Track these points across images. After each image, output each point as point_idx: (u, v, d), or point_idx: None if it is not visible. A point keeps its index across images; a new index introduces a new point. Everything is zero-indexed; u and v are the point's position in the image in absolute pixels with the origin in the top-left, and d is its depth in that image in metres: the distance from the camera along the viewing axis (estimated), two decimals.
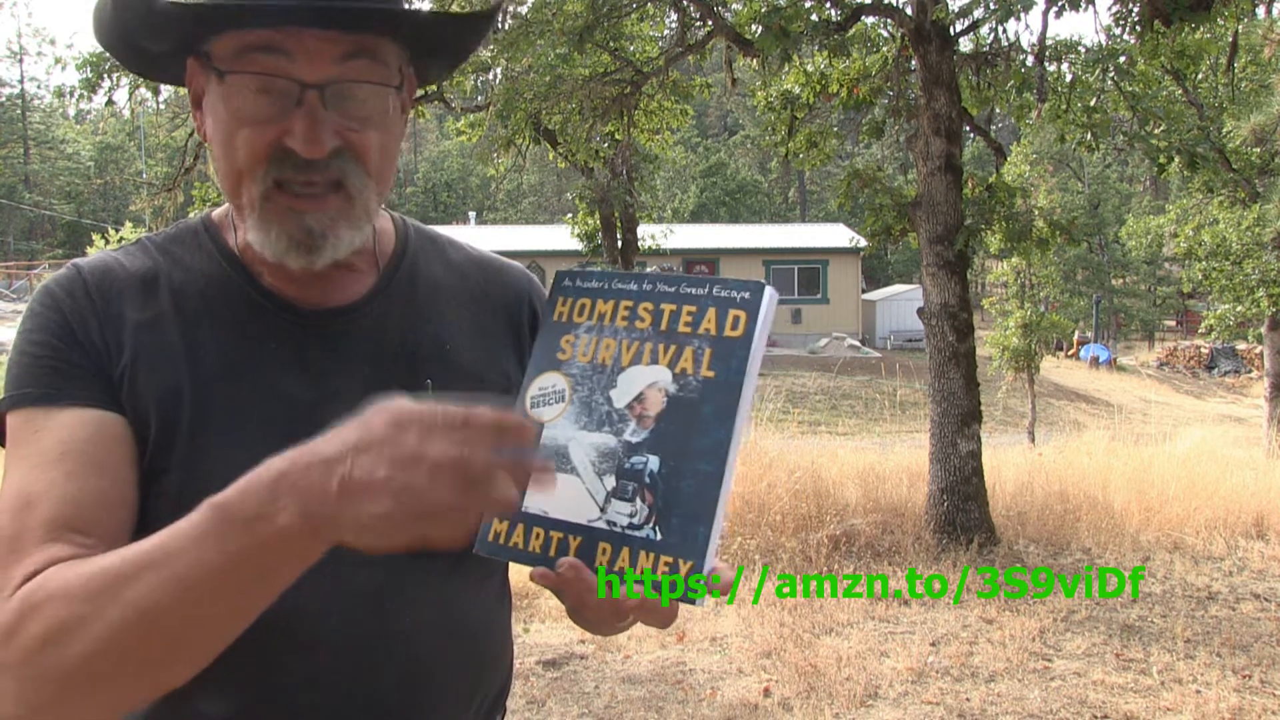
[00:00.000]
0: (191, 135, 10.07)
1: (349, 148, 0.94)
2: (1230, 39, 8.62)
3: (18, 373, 0.94)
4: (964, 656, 4.58)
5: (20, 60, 52.19)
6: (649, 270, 0.94)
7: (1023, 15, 6.21)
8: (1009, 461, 8.63)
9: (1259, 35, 11.91)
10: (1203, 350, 33.36)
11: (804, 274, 31.26)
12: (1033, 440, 15.14)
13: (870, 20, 7.70)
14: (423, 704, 1.02)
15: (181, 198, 10.49)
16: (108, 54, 1.06)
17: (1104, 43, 7.18)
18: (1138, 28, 6.65)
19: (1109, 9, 6.83)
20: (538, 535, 0.86)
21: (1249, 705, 4.01)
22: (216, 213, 1.08)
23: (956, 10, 6.76)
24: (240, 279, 1.02)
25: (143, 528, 0.89)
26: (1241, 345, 30.71)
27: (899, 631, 4.95)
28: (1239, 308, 14.60)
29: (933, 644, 4.76)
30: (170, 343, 0.97)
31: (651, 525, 0.82)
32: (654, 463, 0.84)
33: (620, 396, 0.87)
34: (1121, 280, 39.64)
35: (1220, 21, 6.89)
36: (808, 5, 6.61)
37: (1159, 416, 18.83)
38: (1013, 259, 16.93)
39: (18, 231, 50.12)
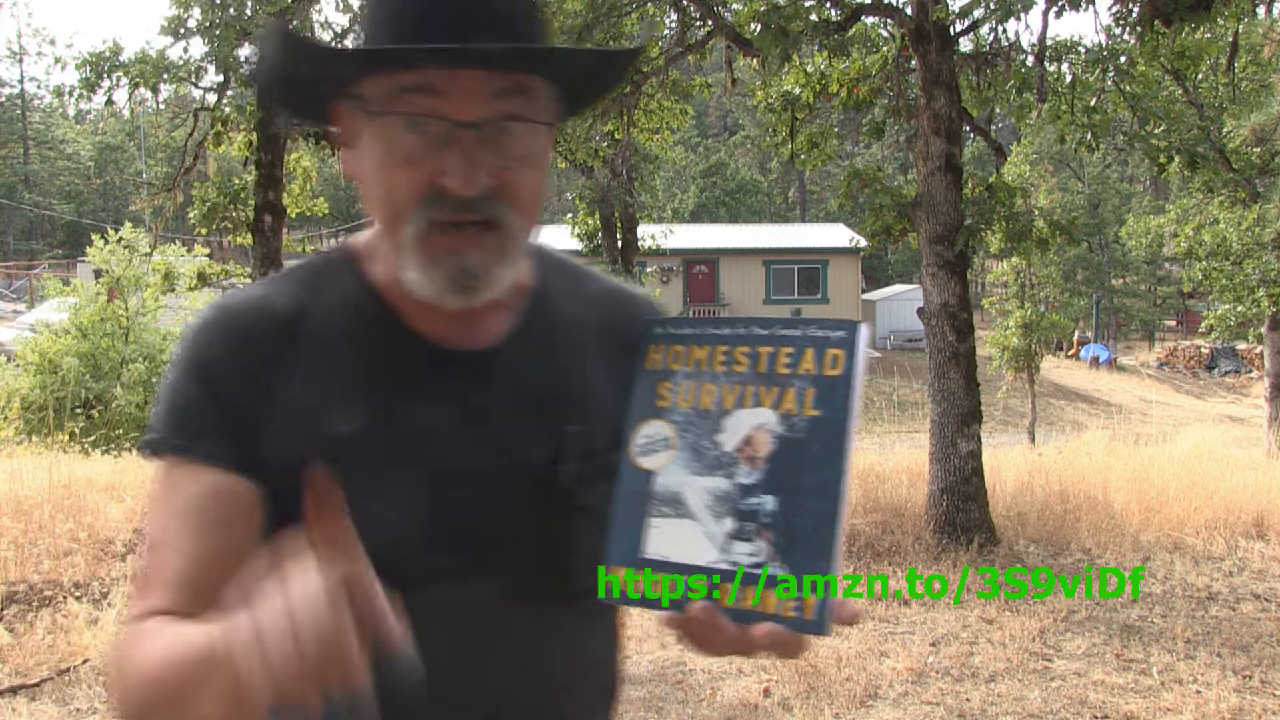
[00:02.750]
0: (191, 135, 10.07)
1: (502, 186, 0.93)
2: (1230, 39, 8.62)
3: (162, 414, 0.99)
4: (964, 657, 4.58)
5: (20, 60, 52.17)
6: (739, 316, 0.97)
7: (1023, 15, 6.21)
8: (1009, 461, 8.63)
9: (1259, 35, 11.91)
10: (1203, 350, 33.37)
11: (804, 274, 31.24)
12: (1033, 440, 15.15)
13: (870, 20, 7.70)
14: (559, 714, 1.08)
15: (181, 198, 10.49)
16: (263, 96, 1.07)
17: (1104, 43, 7.18)
18: (1138, 28, 6.65)
19: (1109, 9, 6.83)
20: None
21: (1249, 705, 4.01)
22: (360, 242, 1.07)
23: (956, 10, 6.76)
24: (384, 318, 1.02)
25: None
26: (1241, 345, 30.71)
27: (899, 631, 4.95)
28: (1239, 308, 14.60)
29: (933, 644, 4.76)
30: (316, 387, 0.98)
31: (775, 563, 0.86)
32: (770, 503, 0.87)
33: (728, 440, 0.90)
34: (1121, 280, 39.63)
35: (1220, 21, 6.89)
36: (808, 5, 6.61)
37: (1159, 416, 18.83)
38: (1013, 259, 16.93)
39: (18, 231, 50.12)
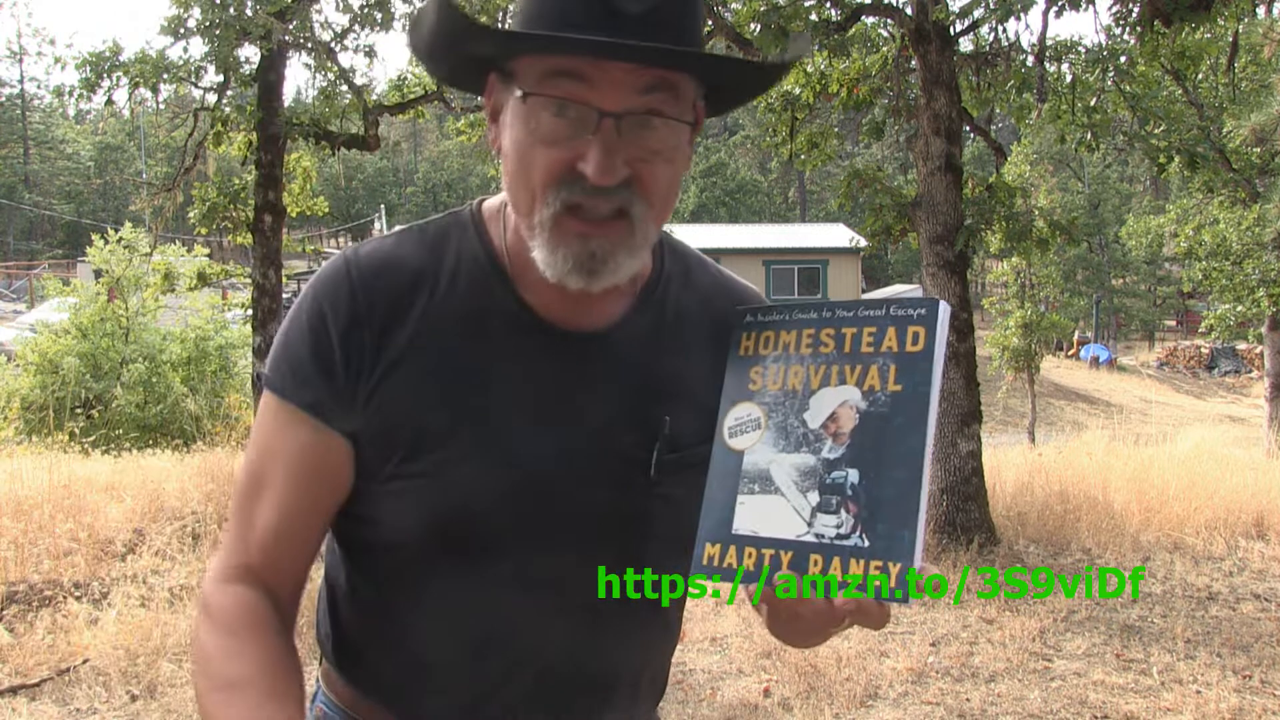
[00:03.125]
0: (191, 135, 10.07)
1: (637, 178, 0.95)
2: (1230, 39, 8.62)
3: (277, 353, 1.04)
4: (964, 657, 4.58)
5: (20, 60, 52.15)
6: (825, 300, 1.00)
7: (1023, 15, 6.21)
8: (1009, 461, 8.62)
9: (1259, 35, 11.91)
10: (1203, 350, 33.38)
11: (804, 274, 31.24)
12: (1033, 440, 15.15)
13: (870, 20, 7.69)
14: (609, 700, 1.12)
15: (181, 198, 10.48)
16: (419, 61, 1.11)
17: (1104, 43, 7.18)
18: (1138, 28, 6.65)
19: (1109, 9, 6.83)
20: (750, 554, 0.92)
21: (1249, 705, 4.01)
22: (489, 205, 1.10)
23: (956, 10, 6.76)
24: (502, 288, 1.05)
25: (384, 504, 1.03)
26: (1241, 345, 30.72)
27: (899, 631, 4.95)
28: (1239, 308, 14.60)
29: (933, 644, 4.76)
30: (435, 342, 1.02)
31: (859, 534, 0.88)
32: (854, 475, 0.90)
33: (814, 418, 0.93)
34: (1121, 280, 39.63)
35: (1220, 21, 6.89)
36: (807, 5, 6.60)
37: (1159, 416, 18.83)
38: (1013, 259, 16.93)
39: (18, 231, 50.11)
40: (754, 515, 0.93)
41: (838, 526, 0.89)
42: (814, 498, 0.91)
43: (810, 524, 0.90)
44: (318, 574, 1.17)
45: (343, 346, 1.01)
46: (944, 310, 0.91)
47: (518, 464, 1.02)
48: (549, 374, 1.04)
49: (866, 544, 0.88)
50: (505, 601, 1.04)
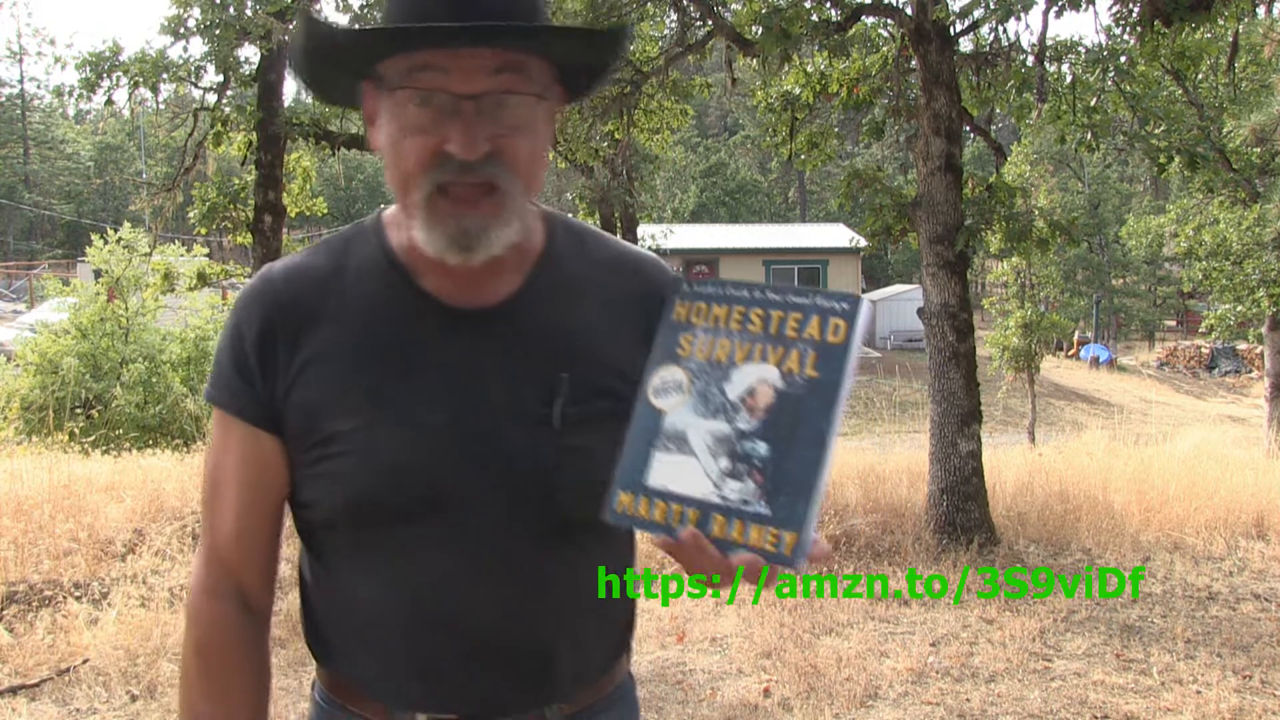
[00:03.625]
0: (191, 135, 10.07)
1: (500, 152, 1.06)
2: (1230, 39, 8.61)
3: (213, 370, 1.19)
4: (964, 657, 4.58)
5: (20, 60, 52.12)
6: (757, 282, 1.08)
7: (1023, 15, 6.21)
8: (1009, 461, 8.62)
9: (1259, 35, 11.91)
10: (1203, 350, 33.36)
11: (804, 274, 31.26)
12: (1033, 440, 15.14)
13: (870, 20, 7.69)
14: (555, 648, 1.19)
15: (181, 198, 10.48)
16: (302, 85, 1.24)
17: (1104, 43, 7.18)
18: (1138, 28, 6.64)
19: (1109, 9, 6.83)
20: (660, 507, 1.00)
21: (1249, 706, 4.01)
22: (390, 211, 1.21)
23: (956, 10, 6.76)
24: (401, 280, 1.16)
25: (312, 486, 1.15)
26: (1242, 345, 30.70)
27: (899, 632, 4.95)
28: (1239, 308, 14.60)
29: (933, 644, 4.76)
30: (342, 335, 1.14)
31: (761, 502, 0.96)
32: (763, 448, 0.97)
33: (734, 390, 1.00)
34: (1121, 280, 39.60)
35: (1220, 21, 6.88)
36: (808, 5, 6.60)
37: (1159, 416, 18.83)
38: (1013, 259, 16.93)
39: (18, 231, 50.08)
40: (668, 472, 1.00)
41: (743, 493, 0.96)
42: (724, 464, 0.98)
43: (718, 487, 0.97)
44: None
45: (257, 355, 1.14)
46: (865, 306, 0.98)
47: (430, 434, 1.11)
48: (452, 350, 1.14)
49: (768, 512, 0.95)
50: (434, 566, 1.13)
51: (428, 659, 1.15)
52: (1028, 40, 21.32)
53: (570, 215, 1.29)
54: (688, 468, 0.99)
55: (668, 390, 1.03)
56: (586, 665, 1.23)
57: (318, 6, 8.45)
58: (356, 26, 1.12)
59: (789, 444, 0.96)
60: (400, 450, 1.11)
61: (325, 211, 11.69)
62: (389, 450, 1.11)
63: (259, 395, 1.14)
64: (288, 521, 1.24)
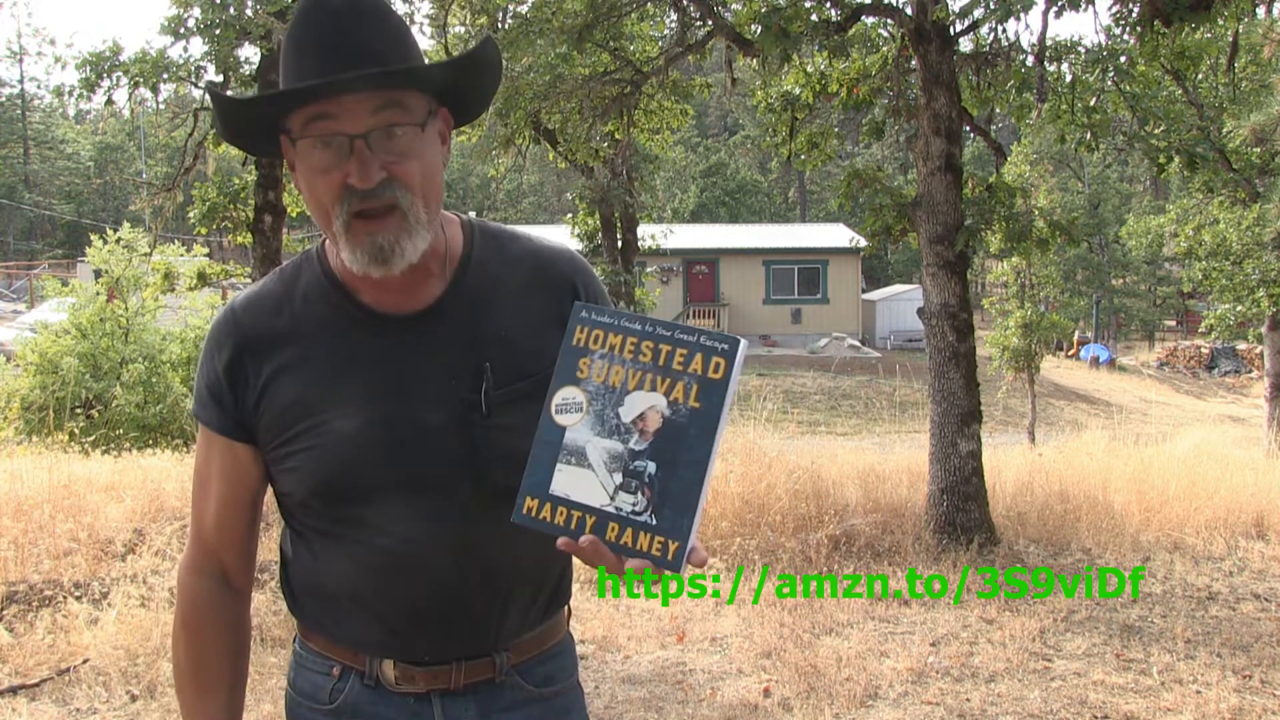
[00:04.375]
0: (191, 135, 10.07)
1: (395, 177, 1.22)
2: (1230, 39, 8.61)
3: (195, 392, 1.41)
4: (964, 657, 4.58)
5: (20, 60, 52.12)
6: (648, 316, 1.19)
7: (1023, 15, 6.20)
8: (1009, 461, 8.62)
9: (1259, 35, 11.91)
10: (1203, 350, 33.36)
11: (804, 274, 31.23)
12: (1033, 440, 15.14)
13: (870, 20, 7.69)
14: (497, 602, 1.36)
15: (181, 197, 10.47)
16: (231, 143, 1.38)
17: (1104, 43, 7.17)
18: (1138, 28, 6.64)
19: (1109, 9, 6.83)
20: (562, 513, 1.13)
21: (1249, 705, 4.01)
22: (327, 242, 1.38)
23: (956, 10, 6.76)
24: (341, 297, 1.34)
25: (285, 479, 1.35)
26: (1241, 345, 30.70)
27: (899, 631, 4.95)
28: (1239, 308, 14.60)
29: (933, 644, 4.76)
30: (297, 351, 1.33)
31: (649, 513, 1.10)
32: (652, 467, 1.10)
33: (627, 413, 1.13)
34: (1121, 280, 39.60)
35: (1220, 21, 6.88)
36: (808, 5, 6.60)
37: (1159, 416, 18.82)
38: (1013, 259, 16.92)
39: (18, 231, 50.08)
40: (568, 482, 1.13)
41: (634, 505, 1.10)
42: (618, 478, 1.11)
43: (613, 498, 1.11)
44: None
45: (228, 378, 1.35)
46: (743, 347, 1.11)
47: (377, 425, 1.30)
48: (389, 351, 1.32)
49: (654, 522, 1.09)
50: (392, 536, 1.31)
51: (393, 615, 1.34)
52: (1028, 40, 21.34)
53: (486, 219, 1.49)
54: (586, 479, 1.13)
55: (568, 409, 1.15)
56: (525, 618, 1.40)
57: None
58: (255, 95, 1.32)
59: (673, 466, 1.09)
60: (351, 442, 1.29)
61: None
62: (342, 443, 1.29)
63: (232, 413, 1.35)
64: (274, 513, 1.38)
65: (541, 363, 1.29)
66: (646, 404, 1.12)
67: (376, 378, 1.31)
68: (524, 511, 1.15)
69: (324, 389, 1.31)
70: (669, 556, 1.08)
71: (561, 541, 1.13)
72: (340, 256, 1.27)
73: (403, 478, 1.30)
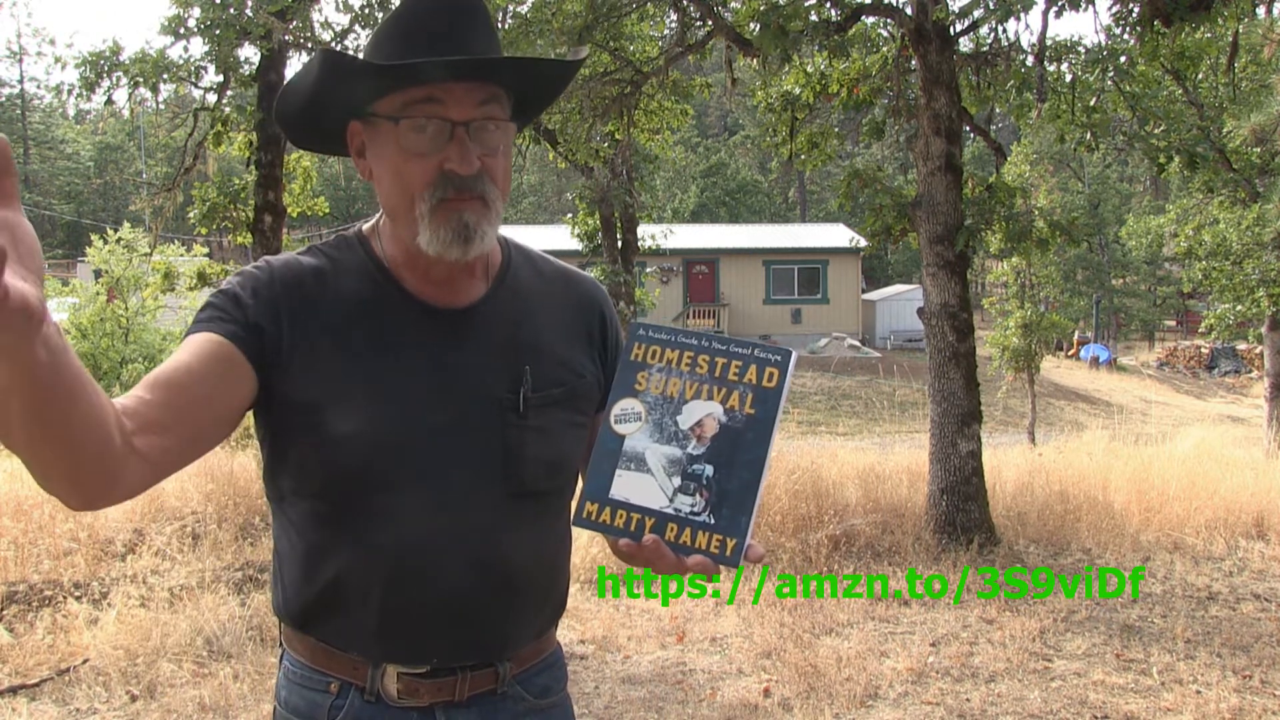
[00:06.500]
0: (191, 135, 10.07)
1: (486, 170, 1.26)
2: (1230, 39, 8.61)
3: (198, 315, 1.26)
4: (964, 657, 4.58)
5: (20, 60, 52.12)
6: (705, 331, 1.27)
7: (1023, 15, 6.20)
8: (1009, 461, 8.62)
9: (1259, 35, 11.90)
10: (1203, 350, 33.35)
11: (804, 274, 31.21)
12: (1033, 440, 15.13)
13: (870, 20, 7.69)
14: (512, 605, 1.34)
15: (181, 198, 10.47)
16: (285, 128, 1.36)
17: (1104, 43, 7.17)
18: (1138, 28, 6.64)
19: (1109, 9, 6.83)
20: (621, 515, 1.18)
21: (1249, 705, 4.01)
22: (366, 228, 1.40)
23: (956, 10, 6.76)
24: (386, 281, 1.33)
25: (303, 456, 1.27)
26: (1241, 345, 30.68)
27: (899, 631, 4.95)
28: (1239, 308, 14.58)
29: (933, 644, 4.76)
30: (332, 325, 1.28)
31: (707, 513, 1.16)
32: (709, 470, 1.17)
33: (685, 421, 1.20)
34: (1121, 280, 39.58)
35: (1220, 21, 6.88)
36: (807, 5, 6.60)
37: (1159, 416, 18.81)
38: (1013, 259, 16.91)
39: None
40: (628, 486, 1.18)
41: (692, 505, 1.16)
42: (676, 481, 1.17)
43: (671, 500, 1.17)
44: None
45: (258, 313, 1.24)
46: (793, 359, 1.19)
47: (411, 411, 1.27)
48: (430, 342, 1.31)
49: (713, 521, 1.15)
50: (411, 531, 1.28)
51: (401, 616, 1.29)
52: (1027, 40, 21.33)
53: (517, 239, 1.51)
54: (645, 483, 1.18)
55: (627, 418, 1.21)
56: (531, 627, 1.39)
57: (318, 6, 8.45)
58: (379, 63, 1.23)
59: (730, 467, 1.16)
60: (384, 425, 1.26)
61: (326, 211, 11.70)
62: (374, 425, 1.26)
63: (254, 338, 1.23)
64: (262, 520, 1.30)
65: (571, 373, 1.37)
66: (704, 412, 1.19)
67: (415, 364, 1.29)
68: (584, 516, 1.19)
69: (359, 368, 1.27)
70: (728, 553, 1.14)
71: (623, 543, 1.17)
72: (414, 239, 1.25)
73: (432, 470, 1.28)
